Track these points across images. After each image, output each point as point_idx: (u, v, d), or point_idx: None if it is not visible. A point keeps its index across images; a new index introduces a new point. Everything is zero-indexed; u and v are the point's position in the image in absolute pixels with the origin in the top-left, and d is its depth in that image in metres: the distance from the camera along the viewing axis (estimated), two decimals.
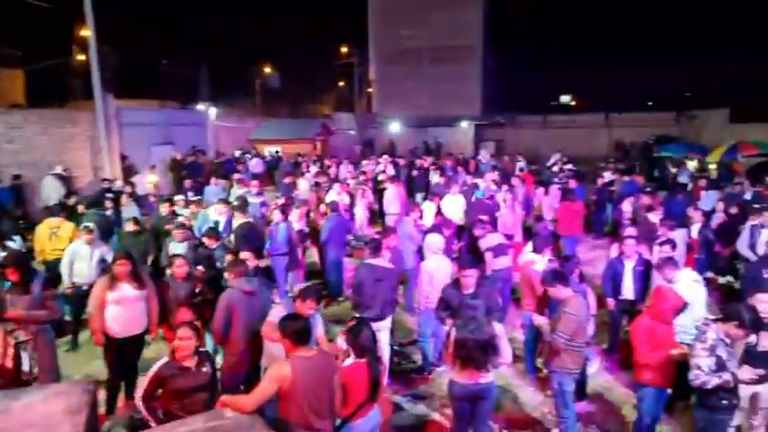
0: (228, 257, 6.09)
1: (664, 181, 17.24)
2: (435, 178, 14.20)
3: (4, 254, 6.68)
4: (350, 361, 3.93)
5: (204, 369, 3.96)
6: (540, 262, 6.13)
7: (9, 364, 3.89)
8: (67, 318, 6.88)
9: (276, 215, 8.64)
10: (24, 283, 4.86)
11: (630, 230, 7.13)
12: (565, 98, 62.85)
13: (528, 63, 48.51)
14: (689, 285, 5.35)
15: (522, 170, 16.25)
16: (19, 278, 4.85)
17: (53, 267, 7.09)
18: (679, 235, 7.58)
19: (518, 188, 11.80)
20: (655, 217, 8.55)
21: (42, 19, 24.13)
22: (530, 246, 6.65)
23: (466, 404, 4.42)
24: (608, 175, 14.26)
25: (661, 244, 6.48)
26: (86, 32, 15.61)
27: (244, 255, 5.74)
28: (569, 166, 16.37)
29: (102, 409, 4.96)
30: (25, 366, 4.03)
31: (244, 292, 4.90)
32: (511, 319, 7.41)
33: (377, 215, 13.34)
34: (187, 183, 13.20)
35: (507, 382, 6.06)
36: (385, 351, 4.39)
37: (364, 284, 5.65)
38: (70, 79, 32.90)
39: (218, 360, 5.13)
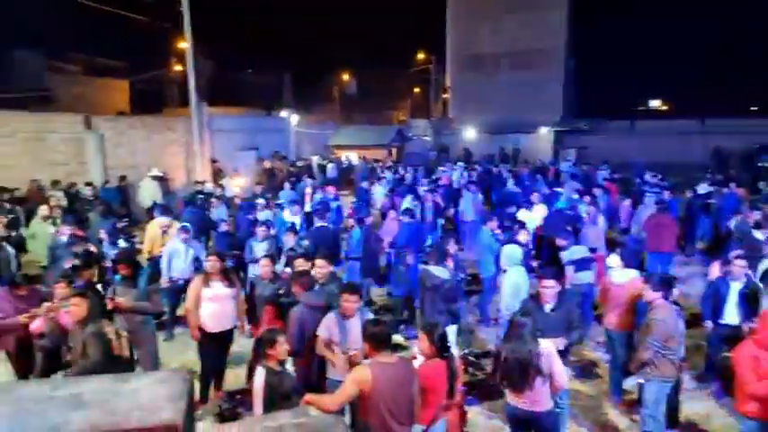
0: (299, 261, 6.04)
1: None
2: (512, 186, 13.97)
3: (115, 251, 7.36)
4: (421, 361, 3.98)
5: (289, 371, 4.15)
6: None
7: (126, 353, 4.24)
8: (165, 309, 7.42)
9: (351, 220, 8.87)
10: (133, 277, 5.37)
11: (739, 250, 6.56)
12: (654, 102, 59.52)
13: (614, 65, 46.35)
14: None
15: (605, 179, 15.56)
16: (129, 273, 5.37)
17: (156, 263, 7.67)
18: None
19: (601, 198, 11.37)
20: (761, 234, 7.92)
21: (145, 33, 26.14)
22: (614, 259, 6.38)
23: (519, 429, 4.28)
24: (704, 187, 13.38)
25: None
26: (184, 45, 16.74)
27: (318, 262, 5.64)
28: (657, 176, 15.50)
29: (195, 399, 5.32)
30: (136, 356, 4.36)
31: (310, 307, 4.85)
32: (593, 336, 7.18)
33: (451, 222, 13.34)
34: (257, 188, 13.31)
35: (588, 404, 5.85)
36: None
37: (420, 290, 6.03)
38: (167, 88, 35.42)
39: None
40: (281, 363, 4.00)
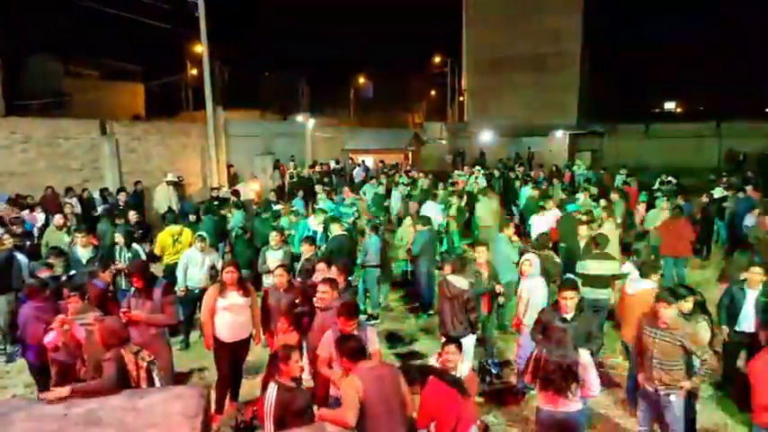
0: (321, 266, 6.12)
1: None
2: (528, 191, 13.80)
3: (129, 255, 7.38)
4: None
5: (303, 386, 4.09)
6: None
7: (143, 385, 4.09)
8: (180, 318, 7.43)
9: (368, 227, 8.81)
10: (147, 289, 5.34)
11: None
12: (669, 105, 58.81)
13: (629, 68, 45.82)
14: None
15: (624, 183, 15.32)
16: (143, 285, 5.33)
17: (171, 271, 7.69)
18: None
19: (617, 203, 11.20)
20: None
21: (160, 38, 26.38)
22: (629, 267, 6.29)
23: None
24: (719, 191, 13.18)
25: None
26: (200, 49, 16.78)
27: (332, 273, 5.69)
28: (670, 180, 15.31)
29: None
30: (157, 385, 4.19)
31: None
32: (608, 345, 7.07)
33: (468, 227, 13.25)
34: (272, 194, 13.15)
35: (607, 412, 5.78)
36: (464, 371, 4.33)
37: (439, 300, 6.08)
38: (182, 91, 35.70)
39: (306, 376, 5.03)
40: (295, 379, 3.96)
